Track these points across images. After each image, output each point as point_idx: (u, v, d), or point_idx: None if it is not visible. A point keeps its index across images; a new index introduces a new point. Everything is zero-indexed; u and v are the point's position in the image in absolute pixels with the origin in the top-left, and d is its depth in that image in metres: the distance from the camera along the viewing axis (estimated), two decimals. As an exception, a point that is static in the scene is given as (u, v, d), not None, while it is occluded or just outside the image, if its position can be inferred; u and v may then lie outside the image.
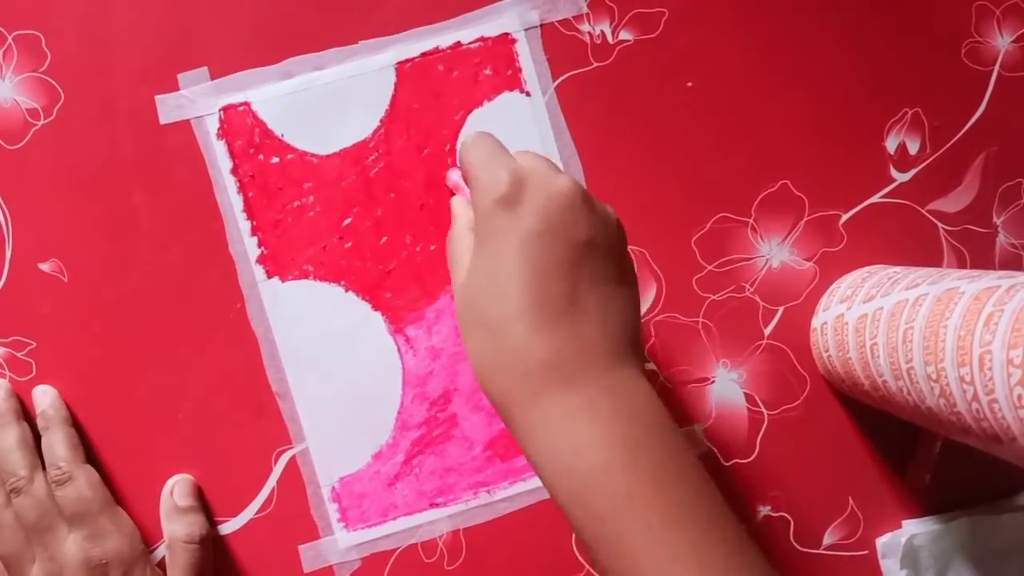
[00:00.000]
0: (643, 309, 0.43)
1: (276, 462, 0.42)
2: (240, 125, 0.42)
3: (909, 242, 0.43)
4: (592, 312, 0.29)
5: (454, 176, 0.41)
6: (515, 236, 0.29)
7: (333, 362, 0.42)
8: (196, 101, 0.42)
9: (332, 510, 0.42)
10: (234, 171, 0.42)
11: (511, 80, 0.43)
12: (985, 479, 0.43)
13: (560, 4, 0.43)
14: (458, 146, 0.36)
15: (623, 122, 0.43)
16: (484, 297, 0.30)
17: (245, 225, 0.42)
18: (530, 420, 0.29)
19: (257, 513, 0.42)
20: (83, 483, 0.38)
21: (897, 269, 0.39)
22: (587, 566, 0.42)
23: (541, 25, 0.43)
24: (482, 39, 0.43)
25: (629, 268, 0.33)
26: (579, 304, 0.29)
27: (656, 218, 0.43)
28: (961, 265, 0.43)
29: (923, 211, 0.43)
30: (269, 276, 0.42)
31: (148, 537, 0.41)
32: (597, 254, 0.30)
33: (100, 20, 0.42)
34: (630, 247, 0.42)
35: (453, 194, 0.41)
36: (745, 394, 0.43)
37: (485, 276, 0.30)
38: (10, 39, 0.41)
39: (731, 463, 0.43)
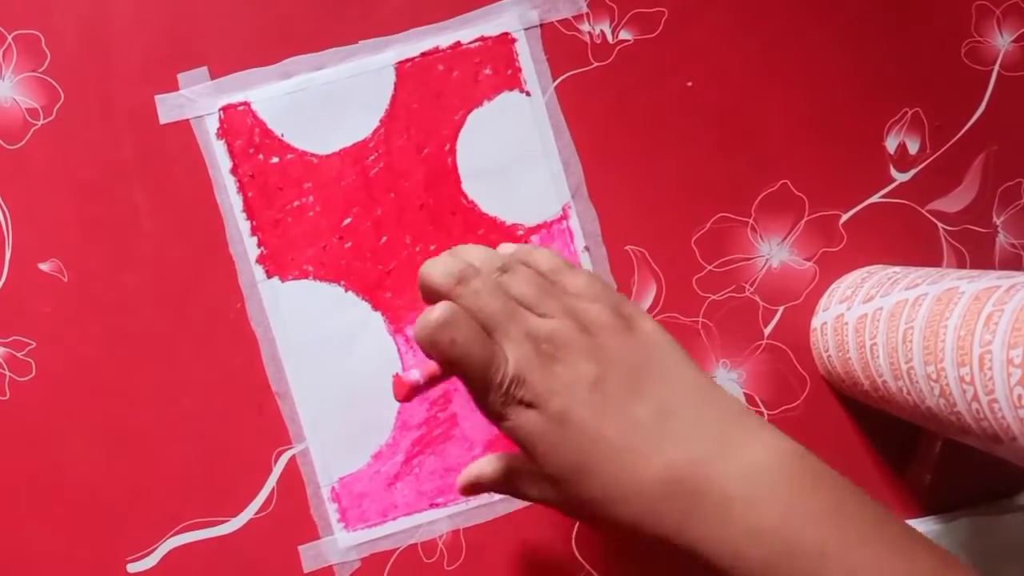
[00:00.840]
0: (644, 309, 0.43)
1: (276, 462, 0.42)
2: (240, 125, 0.42)
3: (909, 242, 0.43)
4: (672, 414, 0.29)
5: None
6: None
7: (333, 362, 0.42)
8: (196, 101, 0.42)
9: (332, 510, 0.42)
10: (234, 171, 0.42)
11: (511, 80, 0.43)
12: (985, 479, 0.43)
13: (560, 4, 0.43)
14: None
15: (623, 122, 0.43)
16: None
17: (245, 225, 0.42)
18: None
19: (257, 513, 0.42)
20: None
21: (897, 269, 0.39)
22: (587, 566, 0.42)
23: (541, 25, 0.43)
24: (482, 39, 0.43)
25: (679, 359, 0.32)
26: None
27: (656, 218, 0.43)
28: (961, 265, 0.43)
29: (923, 211, 0.43)
30: (269, 276, 0.42)
31: (146, 536, 0.41)
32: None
33: (100, 20, 0.42)
34: (630, 247, 0.42)
35: (454, 197, 0.40)
36: (745, 394, 0.43)
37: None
38: (10, 39, 0.41)
39: (731, 463, 0.43)
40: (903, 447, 0.43)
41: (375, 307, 0.42)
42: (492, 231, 0.43)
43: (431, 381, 0.30)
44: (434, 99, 0.42)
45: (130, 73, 0.42)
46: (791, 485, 0.27)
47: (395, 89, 0.42)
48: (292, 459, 0.42)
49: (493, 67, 0.43)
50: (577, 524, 0.42)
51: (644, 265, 0.43)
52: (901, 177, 0.43)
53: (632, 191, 0.43)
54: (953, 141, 0.43)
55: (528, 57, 0.43)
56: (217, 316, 0.42)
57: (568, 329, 0.29)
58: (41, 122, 0.42)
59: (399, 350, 0.42)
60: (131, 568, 0.41)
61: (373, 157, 0.42)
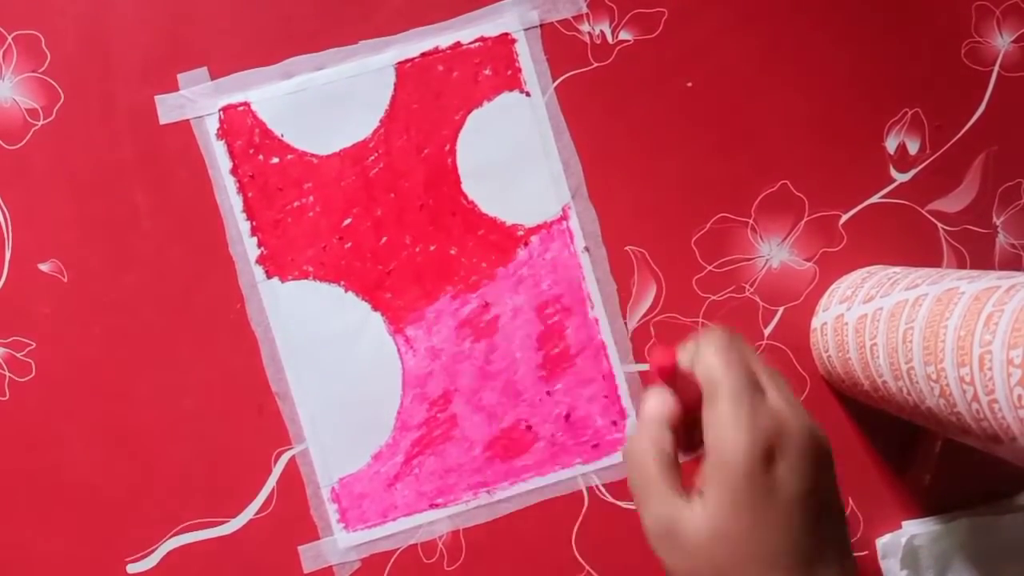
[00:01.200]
0: (644, 309, 0.43)
1: (276, 462, 0.42)
2: (240, 125, 0.42)
3: (909, 242, 0.43)
4: (830, 566, 0.28)
5: (663, 361, 0.30)
6: (778, 502, 0.27)
7: (333, 362, 0.42)
8: (196, 101, 0.42)
9: (332, 510, 0.42)
10: (234, 171, 0.42)
11: (511, 80, 0.43)
12: (985, 479, 0.43)
13: (560, 4, 0.43)
14: (703, 340, 0.30)
15: (623, 122, 0.43)
16: (748, 564, 0.27)
17: (245, 225, 0.42)
18: None
19: (257, 513, 0.42)
20: None
21: (897, 269, 0.39)
22: (587, 566, 0.42)
23: (541, 25, 0.43)
24: (482, 39, 0.43)
25: (843, 506, 0.31)
26: (822, 564, 0.28)
27: (656, 218, 0.43)
28: (961, 265, 0.43)
29: (923, 211, 0.43)
30: (269, 276, 0.42)
31: (146, 537, 0.41)
32: (832, 507, 0.29)
33: (100, 20, 0.42)
34: (630, 247, 0.42)
35: (454, 197, 0.40)
36: (745, 394, 0.43)
37: (747, 542, 0.27)
38: (10, 39, 0.41)
39: (731, 463, 0.43)
40: (903, 447, 0.43)
41: (375, 307, 0.42)
42: (492, 231, 0.43)
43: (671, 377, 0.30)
44: (434, 99, 0.42)
45: (130, 73, 0.42)
46: None
47: (395, 89, 0.42)
48: (292, 459, 0.42)
49: (493, 67, 0.43)
50: (577, 524, 0.42)
51: (644, 265, 0.43)
52: (901, 177, 0.43)
53: (632, 191, 0.43)
54: (953, 141, 0.43)
55: (528, 57, 0.43)
56: (217, 316, 0.42)
57: None
58: (41, 122, 0.42)
59: (399, 350, 0.42)
60: (131, 568, 0.41)
61: (373, 157, 0.42)
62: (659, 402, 0.30)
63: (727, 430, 0.27)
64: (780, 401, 0.28)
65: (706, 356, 0.29)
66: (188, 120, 0.42)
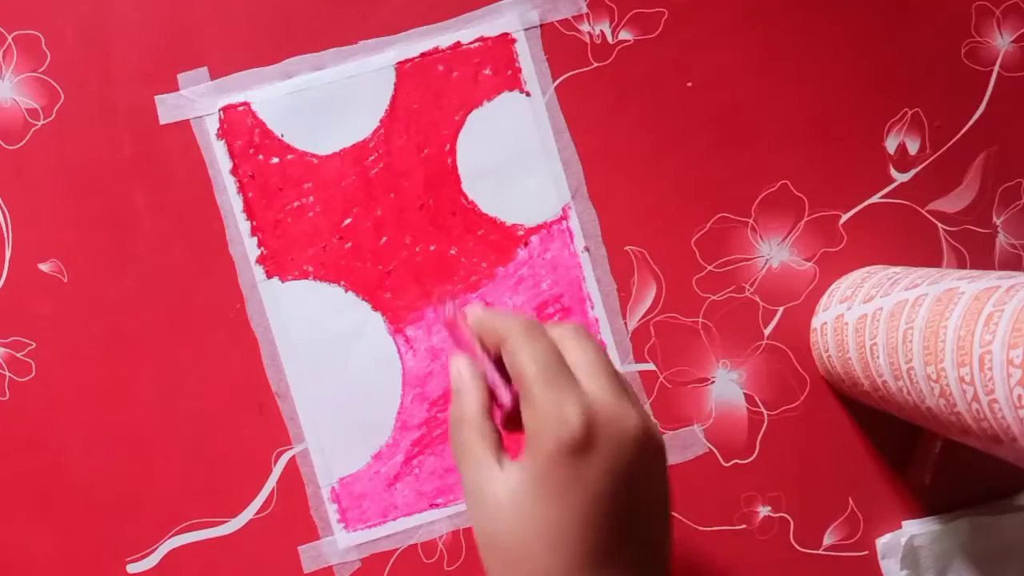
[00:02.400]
0: (644, 309, 0.43)
1: (276, 462, 0.42)
2: (240, 125, 0.42)
3: (909, 242, 0.43)
4: (635, 562, 0.28)
5: (477, 317, 0.32)
6: (581, 488, 0.27)
7: (333, 362, 0.42)
8: (196, 101, 0.42)
9: (332, 510, 0.42)
10: (234, 171, 0.42)
11: (511, 80, 0.43)
12: (985, 479, 0.43)
13: (560, 4, 0.43)
14: (498, 322, 0.30)
15: (623, 122, 0.43)
16: (534, 545, 0.27)
17: (245, 225, 0.42)
18: None
19: (257, 513, 0.42)
20: None
21: (897, 269, 0.39)
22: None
23: (541, 25, 0.43)
24: (482, 39, 0.43)
25: (668, 499, 0.30)
26: (624, 553, 0.28)
27: (656, 218, 0.43)
28: (961, 265, 0.43)
29: (923, 211, 0.43)
30: (269, 276, 0.42)
31: (146, 537, 0.41)
32: (648, 495, 0.29)
33: (100, 20, 0.42)
34: (630, 247, 0.42)
35: (454, 197, 0.40)
36: (745, 394, 0.43)
37: (538, 523, 0.27)
38: (10, 39, 0.41)
39: (731, 463, 0.43)
40: (903, 447, 0.43)
41: (375, 307, 0.42)
42: (492, 231, 0.43)
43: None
44: (434, 99, 0.42)
45: (130, 73, 0.42)
46: None
47: (395, 89, 0.42)
48: (292, 459, 0.42)
49: (493, 67, 0.43)
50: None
51: (644, 265, 0.43)
52: (901, 177, 0.43)
53: (632, 191, 0.43)
54: (953, 141, 0.43)
55: (528, 57, 0.43)
56: (217, 316, 0.42)
57: None
58: (41, 122, 0.42)
59: (399, 350, 0.42)
60: (131, 568, 0.41)
61: (373, 157, 0.42)
62: (472, 378, 0.30)
63: (541, 415, 0.28)
64: (594, 388, 0.28)
65: (511, 344, 0.29)
66: (188, 120, 0.42)
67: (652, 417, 0.29)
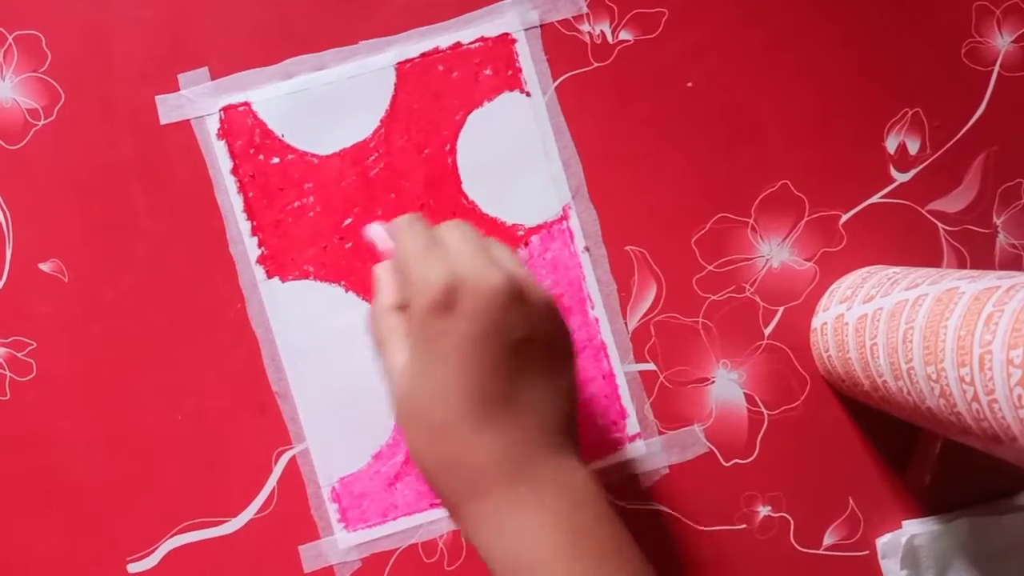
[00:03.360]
0: (644, 309, 0.43)
1: (276, 462, 0.42)
2: (240, 125, 0.42)
3: (909, 242, 0.43)
4: (530, 407, 0.31)
5: (376, 233, 0.38)
6: (451, 340, 0.30)
7: (333, 362, 0.42)
8: (196, 101, 0.42)
9: (332, 510, 0.42)
10: (234, 171, 0.42)
11: (511, 80, 0.43)
12: (985, 479, 0.43)
13: (560, 4, 0.43)
14: (392, 225, 0.35)
15: (623, 122, 0.43)
16: (425, 401, 0.31)
17: (245, 225, 0.42)
18: (478, 515, 0.30)
19: (257, 513, 0.42)
20: None
21: (897, 269, 0.39)
22: (587, 566, 0.42)
23: (541, 25, 0.43)
24: (482, 39, 0.43)
25: (565, 355, 0.33)
26: (518, 400, 0.30)
27: (656, 218, 0.43)
28: (961, 265, 0.43)
29: (923, 211, 0.43)
30: (269, 276, 0.42)
31: (146, 537, 0.41)
32: (533, 349, 0.31)
33: (100, 20, 0.42)
34: (630, 247, 0.42)
35: (455, 197, 0.41)
36: (745, 394, 0.43)
37: (424, 380, 0.31)
38: (10, 39, 0.41)
39: (731, 463, 0.43)
40: (903, 447, 0.43)
41: (375, 307, 0.42)
42: (492, 231, 0.43)
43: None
44: (434, 99, 0.42)
45: (130, 73, 0.42)
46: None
47: (395, 89, 0.42)
48: (292, 459, 0.42)
49: (493, 67, 0.43)
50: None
51: (644, 265, 0.43)
52: (901, 177, 0.43)
53: (632, 191, 0.43)
54: (953, 141, 0.43)
55: (528, 57, 0.43)
56: (217, 316, 0.42)
57: None
58: (41, 122, 0.42)
59: (399, 350, 0.42)
60: (131, 568, 0.41)
61: (373, 157, 0.42)
62: (388, 273, 0.35)
63: (411, 283, 0.31)
64: (459, 258, 0.31)
65: (396, 237, 0.34)
66: (188, 120, 0.42)
67: (535, 283, 0.32)
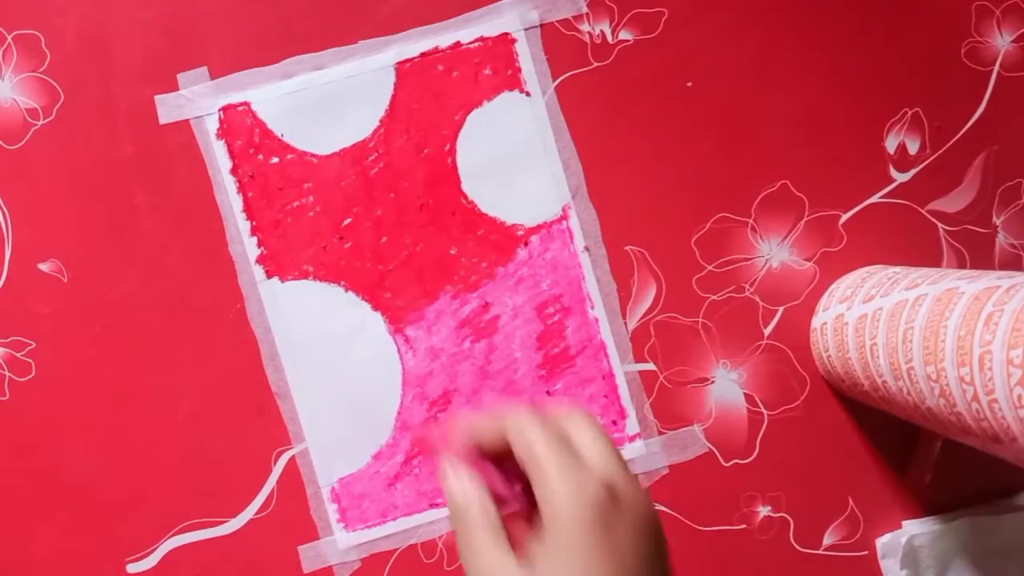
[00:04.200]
0: (644, 309, 0.43)
1: (276, 462, 0.42)
2: (240, 125, 0.42)
3: (909, 242, 0.43)
4: None
5: (440, 439, 0.30)
6: (612, 554, 0.27)
7: (333, 362, 0.42)
8: (196, 101, 0.42)
9: (332, 510, 0.42)
10: (234, 171, 0.42)
11: (511, 80, 0.43)
12: (985, 479, 0.43)
13: (560, 4, 0.43)
14: (498, 420, 0.30)
15: (623, 122, 0.43)
16: None
17: (245, 225, 0.42)
18: None
19: (257, 513, 0.42)
20: None
21: (897, 269, 0.39)
22: (587, 566, 0.42)
23: (541, 25, 0.43)
24: (482, 39, 0.43)
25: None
26: None
27: (656, 218, 0.43)
28: (961, 265, 0.43)
29: (923, 211, 0.43)
30: (269, 276, 0.42)
31: (146, 537, 0.41)
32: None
33: (100, 20, 0.42)
34: (630, 247, 0.42)
35: (454, 197, 0.40)
36: (745, 394, 0.43)
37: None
38: (10, 39, 0.41)
39: (731, 463, 0.43)
40: (903, 447, 0.43)
41: (375, 307, 0.42)
42: (492, 231, 0.43)
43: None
44: (434, 99, 0.42)
45: (130, 73, 0.42)
46: None
47: (395, 89, 0.42)
48: (292, 459, 0.42)
49: (493, 67, 0.43)
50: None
51: (644, 265, 0.43)
52: (901, 177, 0.43)
53: (632, 191, 0.43)
54: (953, 141, 0.43)
55: (528, 57, 0.43)
56: (217, 316, 0.42)
57: None
58: (41, 122, 0.41)
59: (399, 350, 0.42)
60: (131, 568, 0.41)
61: (373, 157, 0.42)
62: (469, 481, 0.29)
63: (561, 495, 0.27)
64: (612, 469, 0.28)
65: (518, 434, 0.29)
66: (188, 120, 0.42)
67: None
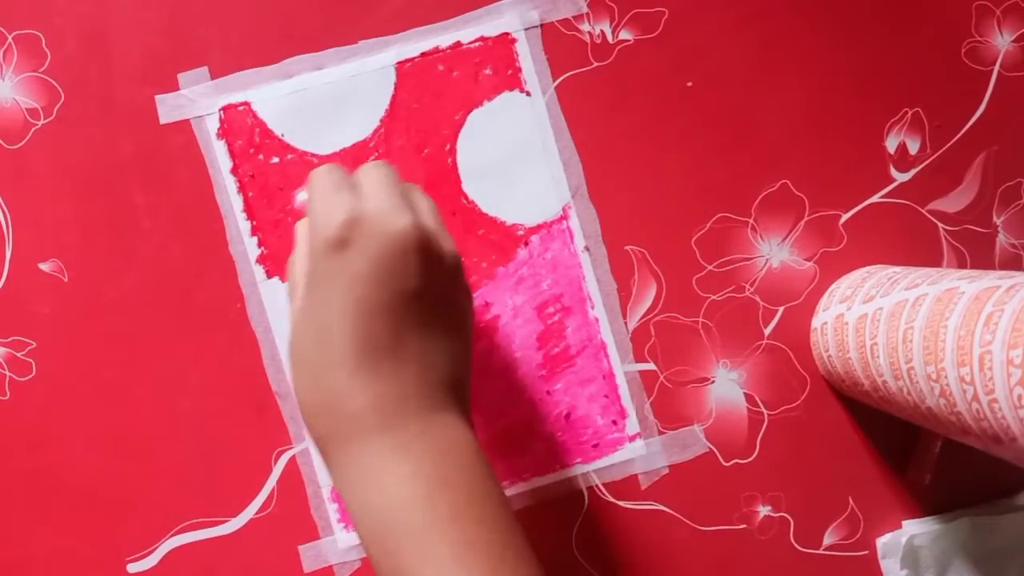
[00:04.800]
0: (644, 309, 0.43)
1: (276, 462, 0.42)
2: (240, 125, 0.42)
3: (909, 242, 0.43)
4: (413, 360, 0.30)
5: (301, 198, 0.39)
6: (342, 280, 0.29)
7: (333, 362, 0.42)
8: (196, 101, 0.42)
9: (332, 510, 0.42)
10: (234, 171, 0.42)
11: (511, 80, 0.43)
12: (985, 479, 0.43)
13: (560, 4, 0.43)
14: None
15: (623, 122, 0.43)
16: (310, 340, 0.30)
17: (245, 225, 0.42)
18: (344, 459, 0.29)
19: (257, 513, 0.42)
20: None
21: (897, 269, 0.39)
22: (587, 566, 0.42)
23: (541, 25, 0.43)
24: (482, 39, 0.43)
25: (460, 312, 0.32)
26: (401, 352, 0.29)
27: (656, 218, 0.43)
28: (961, 265, 0.43)
29: (923, 211, 0.43)
30: (269, 276, 0.42)
31: (146, 537, 0.41)
32: (426, 303, 0.30)
33: (100, 20, 0.42)
34: (630, 247, 0.42)
35: (454, 197, 0.41)
36: (745, 394, 0.43)
37: (311, 319, 0.30)
38: (10, 39, 0.41)
39: (731, 463, 0.43)
40: (903, 447, 0.43)
41: (375, 307, 0.42)
42: (492, 231, 0.43)
43: None
44: (434, 99, 0.42)
45: (130, 73, 0.42)
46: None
47: (395, 89, 0.42)
48: (292, 459, 0.42)
49: (493, 67, 0.43)
50: (577, 525, 0.42)
51: (644, 265, 0.43)
52: (901, 177, 0.43)
53: (632, 191, 0.43)
54: (953, 141, 0.43)
55: (528, 57, 0.43)
56: (217, 316, 0.42)
57: None
58: (41, 122, 0.42)
59: (399, 350, 0.42)
60: (131, 568, 0.41)
61: (373, 157, 0.42)
62: (305, 226, 0.33)
63: (312, 222, 0.30)
64: (369, 197, 0.30)
65: (310, 178, 0.32)
66: (188, 120, 0.42)
67: (446, 238, 0.31)
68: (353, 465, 0.29)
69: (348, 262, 0.29)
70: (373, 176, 0.31)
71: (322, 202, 0.30)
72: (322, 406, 0.30)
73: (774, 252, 0.43)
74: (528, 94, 0.43)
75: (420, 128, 0.42)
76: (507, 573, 0.28)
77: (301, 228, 0.33)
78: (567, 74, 0.43)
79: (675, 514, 0.42)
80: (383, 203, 0.30)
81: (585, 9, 0.43)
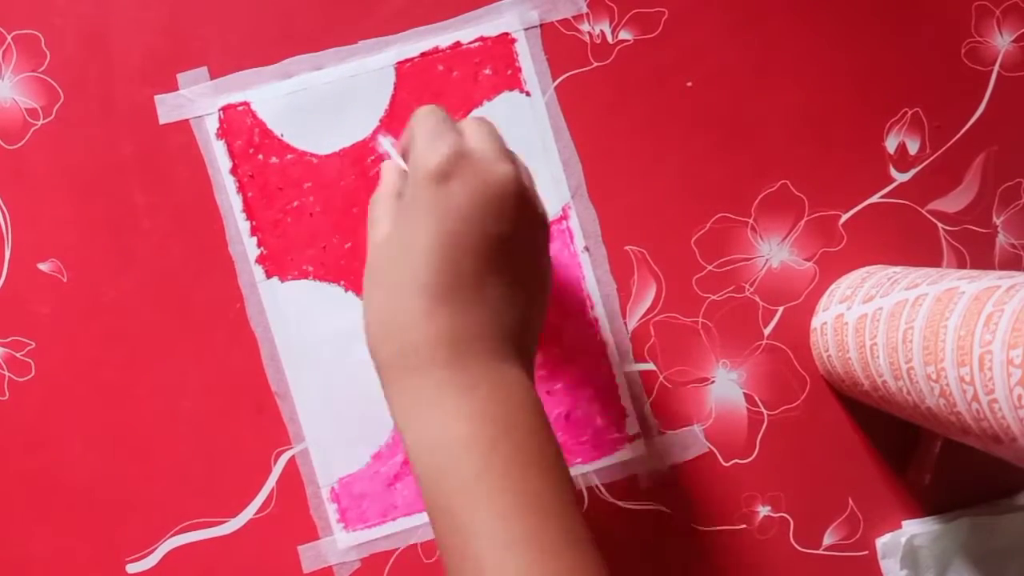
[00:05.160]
0: (644, 309, 0.43)
1: (276, 462, 0.42)
2: (240, 125, 0.42)
3: (909, 242, 0.43)
4: (491, 306, 0.29)
5: (385, 144, 0.39)
6: (437, 211, 0.29)
7: (333, 362, 0.42)
8: (196, 101, 0.42)
9: (331, 510, 0.42)
10: (234, 171, 0.42)
11: (511, 80, 0.43)
12: (985, 479, 0.43)
13: (560, 4, 0.43)
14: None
15: (623, 122, 0.43)
16: (393, 262, 0.30)
17: (245, 225, 0.42)
18: (406, 387, 0.29)
19: (257, 513, 0.42)
20: None
21: (897, 269, 0.39)
22: (587, 566, 0.42)
23: (541, 25, 0.43)
24: (482, 39, 0.43)
25: (542, 274, 0.32)
26: (481, 293, 0.29)
27: (656, 218, 0.43)
28: (961, 265, 0.43)
29: (923, 211, 0.43)
30: (268, 276, 0.42)
31: (146, 537, 0.41)
32: (513, 254, 0.30)
33: (100, 20, 0.42)
34: (630, 247, 0.42)
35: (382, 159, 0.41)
36: (745, 394, 0.43)
37: (399, 243, 0.30)
38: (10, 39, 0.41)
39: (731, 463, 0.43)
40: (903, 447, 0.43)
41: (375, 307, 0.42)
42: (492, 231, 0.43)
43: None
44: (434, 99, 0.42)
45: (130, 73, 0.42)
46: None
47: (395, 89, 0.42)
48: (292, 459, 0.42)
49: (493, 67, 0.43)
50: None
51: (644, 265, 0.43)
52: (901, 177, 0.43)
53: (632, 191, 0.43)
54: (953, 141, 0.43)
55: (528, 57, 0.43)
56: (217, 316, 0.42)
57: None
58: (41, 122, 0.42)
59: (399, 350, 0.42)
60: (131, 568, 0.41)
61: (373, 157, 0.42)
62: (394, 168, 0.34)
63: (415, 153, 0.30)
64: (475, 140, 0.30)
65: (413, 118, 0.32)
66: (188, 120, 0.42)
67: (541, 201, 0.32)
68: (414, 394, 0.29)
69: (448, 195, 0.29)
70: (479, 127, 0.31)
71: (429, 134, 0.30)
72: (392, 330, 0.29)
73: (774, 252, 0.43)
74: (528, 94, 0.43)
75: (420, 128, 0.42)
76: (561, 527, 0.27)
77: (388, 167, 0.34)
78: (567, 74, 0.43)
79: (675, 514, 0.42)
80: (488, 148, 0.30)
81: (585, 9, 0.43)
